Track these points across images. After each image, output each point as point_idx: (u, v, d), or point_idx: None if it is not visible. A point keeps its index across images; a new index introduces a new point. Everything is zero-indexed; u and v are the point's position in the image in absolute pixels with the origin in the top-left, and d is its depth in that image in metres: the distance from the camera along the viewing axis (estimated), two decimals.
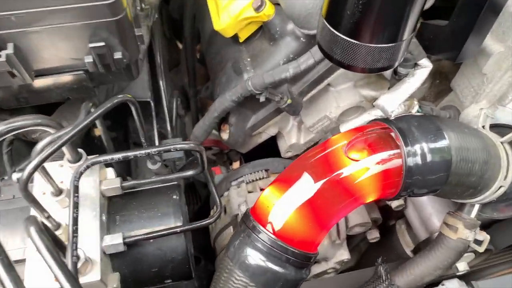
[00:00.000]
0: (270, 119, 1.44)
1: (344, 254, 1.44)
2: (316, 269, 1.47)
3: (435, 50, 1.16)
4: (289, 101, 1.30)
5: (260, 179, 1.54)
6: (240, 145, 1.50)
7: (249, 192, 1.50)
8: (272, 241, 0.86)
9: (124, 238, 0.93)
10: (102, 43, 0.89)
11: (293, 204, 0.88)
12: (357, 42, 0.88)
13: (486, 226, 1.43)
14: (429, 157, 0.89)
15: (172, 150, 0.85)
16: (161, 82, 1.41)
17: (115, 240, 0.92)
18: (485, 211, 1.16)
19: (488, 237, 1.10)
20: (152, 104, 1.36)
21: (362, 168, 0.89)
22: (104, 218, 0.98)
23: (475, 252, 1.35)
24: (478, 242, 1.12)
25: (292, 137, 1.56)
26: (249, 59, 1.34)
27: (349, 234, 1.49)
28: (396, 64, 1.01)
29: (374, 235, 1.52)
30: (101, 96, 1.27)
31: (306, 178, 0.89)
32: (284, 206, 0.88)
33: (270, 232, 0.87)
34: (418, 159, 0.88)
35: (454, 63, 1.08)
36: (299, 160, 0.96)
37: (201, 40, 1.67)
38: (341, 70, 1.34)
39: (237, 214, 1.44)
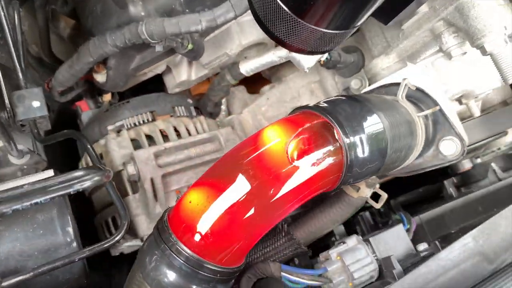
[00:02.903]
0: (160, 60, 1.15)
1: None
2: None
3: None
4: (190, 46, 1.04)
5: (144, 123, 1.29)
6: (120, 88, 1.20)
7: (132, 139, 1.26)
8: (193, 261, 0.75)
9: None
10: None
11: (226, 211, 0.75)
12: (312, 26, 0.69)
13: None
14: (367, 148, 0.82)
15: (76, 182, 0.59)
16: None
17: None
18: None
19: (386, 195, 1.16)
20: None
21: (303, 170, 0.78)
22: None
23: None
24: (376, 196, 1.18)
25: (182, 73, 1.30)
26: None
27: None
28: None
29: None
30: None
31: (241, 181, 0.76)
32: (216, 213, 0.75)
33: (192, 250, 0.75)
34: (360, 151, 0.81)
35: (386, 25, 0.96)
36: (230, 159, 0.80)
37: None
38: None
39: (120, 171, 1.21)
